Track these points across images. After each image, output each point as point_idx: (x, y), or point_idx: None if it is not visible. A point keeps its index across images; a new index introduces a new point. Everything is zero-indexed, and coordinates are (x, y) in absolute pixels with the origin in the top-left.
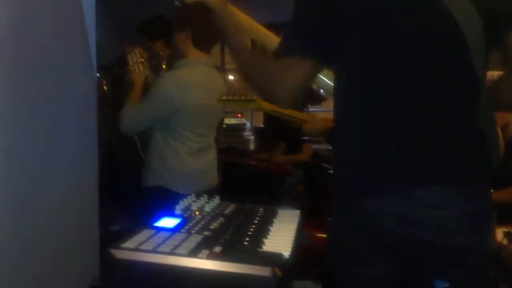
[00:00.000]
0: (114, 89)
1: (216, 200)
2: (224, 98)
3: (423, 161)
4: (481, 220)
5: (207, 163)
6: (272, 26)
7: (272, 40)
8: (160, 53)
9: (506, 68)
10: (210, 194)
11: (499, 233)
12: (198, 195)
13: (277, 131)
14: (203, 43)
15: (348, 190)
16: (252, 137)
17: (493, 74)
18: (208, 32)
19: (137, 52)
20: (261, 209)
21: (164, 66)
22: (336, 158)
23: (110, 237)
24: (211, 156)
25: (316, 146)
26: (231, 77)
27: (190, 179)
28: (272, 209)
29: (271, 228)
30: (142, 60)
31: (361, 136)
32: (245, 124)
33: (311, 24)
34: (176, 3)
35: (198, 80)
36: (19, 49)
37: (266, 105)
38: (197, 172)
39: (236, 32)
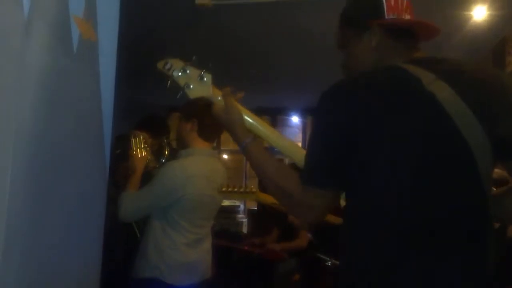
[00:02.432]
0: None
1: None
2: (224, 189)
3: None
4: None
5: (203, 254)
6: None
7: (284, 142)
8: (165, 140)
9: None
10: (205, 285)
11: None
12: None
13: (271, 216)
14: (209, 134)
15: None
16: (245, 220)
17: None
18: (214, 124)
19: (141, 137)
20: None
21: (166, 153)
22: (350, 268)
23: None
24: (207, 246)
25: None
26: (225, 156)
27: (186, 271)
28: None
29: None
30: (146, 145)
31: (378, 258)
32: (238, 206)
33: (335, 157)
34: (180, 93)
35: (202, 171)
36: (40, 148)
37: (264, 197)
38: (193, 264)
39: (248, 134)
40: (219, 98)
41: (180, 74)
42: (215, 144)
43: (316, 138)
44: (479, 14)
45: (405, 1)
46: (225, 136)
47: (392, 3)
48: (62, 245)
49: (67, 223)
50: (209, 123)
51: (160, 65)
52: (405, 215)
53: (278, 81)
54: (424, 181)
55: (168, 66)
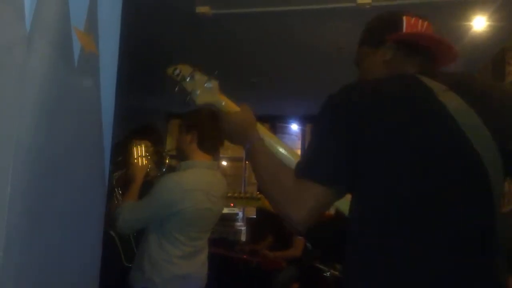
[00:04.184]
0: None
1: None
2: (230, 195)
3: None
4: None
5: (198, 266)
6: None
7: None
8: (166, 151)
9: None
10: None
11: None
12: None
13: (268, 224)
14: (209, 146)
15: None
16: (244, 228)
17: None
18: (214, 135)
19: (143, 145)
20: None
21: (167, 161)
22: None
23: None
24: (203, 258)
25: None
26: (224, 163)
27: (179, 283)
28: None
29: None
30: (147, 154)
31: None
32: (237, 214)
33: (336, 155)
34: (188, 98)
35: (200, 184)
36: (40, 158)
37: (269, 204)
38: (188, 276)
39: (258, 135)
40: (223, 103)
41: (188, 80)
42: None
43: (317, 137)
44: (479, 24)
45: (425, 23)
46: (224, 144)
47: (412, 22)
48: (61, 250)
49: (66, 229)
50: (209, 135)
51: (169, 70)
52: (405, 229)
53: (277, 88)
54: (430, 192)
55: (177, 72)
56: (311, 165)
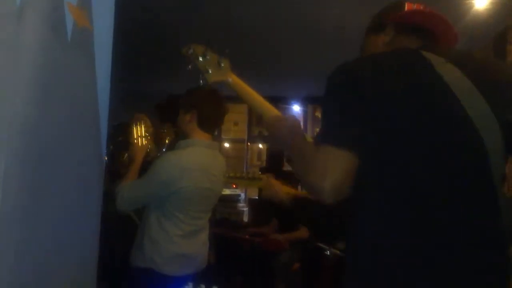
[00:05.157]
0: (112, 158)
1: None
2: (231, 175)
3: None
4: None
5: (198, 246)
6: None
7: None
8: (165, 130)
9: None
10: (201, 275)
11: None
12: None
13: (272, 205)
14: (208, 125)
15: None
16: (246, 209)
17: None
18: (214, 114)
19: (143, 124)
20: None
21: (167, 141)
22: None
23: None
24: (203, 237)
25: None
26: (226, 145)
27: (179, 262)
28: None
29: None
30: (147, 134)
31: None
32: (239, 195)
33: (353, 123)
34: (201, 82)
35: (199, 163)
36: (34, 138)
37: None
38: (188, 255)
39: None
40: (230, 80)
41: (200, 59)
42: (216, 133)
43: (328, 107)
44: (481, 2)
45: (428, 9)
46: (226, 126)
47: (414, 6)
48: (58, 238)
49: (63, 214)
50: (209, 114)
51: (184, 50)
52: (404, 198)
53: (279, 70)
54: (423, 162)
55: (190, 51)
56: (327, 131)
